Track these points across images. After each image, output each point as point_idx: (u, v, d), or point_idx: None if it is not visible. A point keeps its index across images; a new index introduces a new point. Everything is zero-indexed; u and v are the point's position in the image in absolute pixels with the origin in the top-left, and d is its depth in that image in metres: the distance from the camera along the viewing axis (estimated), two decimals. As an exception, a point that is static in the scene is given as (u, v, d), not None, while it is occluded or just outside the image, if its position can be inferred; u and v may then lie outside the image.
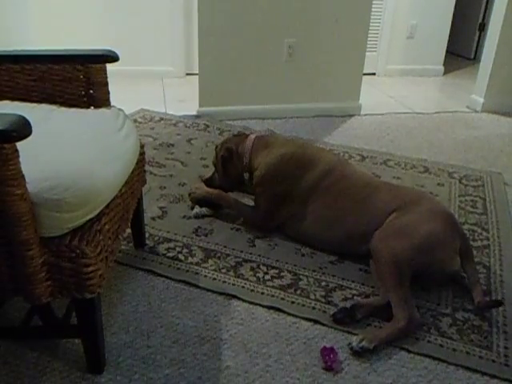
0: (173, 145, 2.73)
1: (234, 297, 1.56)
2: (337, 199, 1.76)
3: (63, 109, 1.47)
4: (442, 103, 3.85)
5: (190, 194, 2.05)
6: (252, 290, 1.59)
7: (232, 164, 2.00)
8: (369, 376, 1.30)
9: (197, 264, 1.70)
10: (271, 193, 1.86)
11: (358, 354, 1.36)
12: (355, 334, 1.41)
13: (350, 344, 1.38)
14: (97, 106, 1.53)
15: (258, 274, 1.67)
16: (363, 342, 1.37)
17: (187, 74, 4.22)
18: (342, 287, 1.62)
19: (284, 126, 3.15)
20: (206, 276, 1.65)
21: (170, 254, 1.75)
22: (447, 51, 4.64)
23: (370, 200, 1.71)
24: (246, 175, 1.98)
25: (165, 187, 2.24)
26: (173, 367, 1.29)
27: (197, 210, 2.01)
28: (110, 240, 1.23)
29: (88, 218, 1.11)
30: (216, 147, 2.09)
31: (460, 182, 2.46)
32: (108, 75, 1.54)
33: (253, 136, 2.02)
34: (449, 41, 4.57)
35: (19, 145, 0.94)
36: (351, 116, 3.42)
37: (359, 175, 1.82)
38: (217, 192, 2.00)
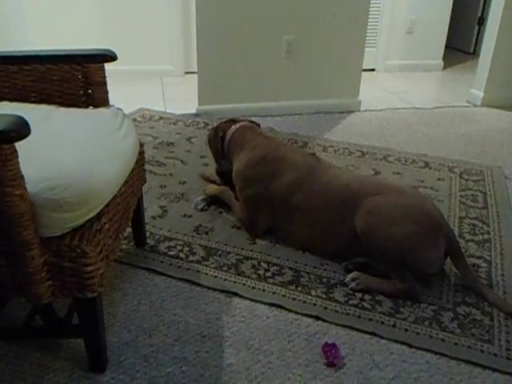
0: (172, 143, 2.74)
1: (236, 294, 1.56)
2: (315, 206, 1.72)
3: (62, 109, 1.47)
4: (442, 98, 3.84)
5: (204, 190, 2.16)
6: (253, 288, 1.59)
7: (219, 147, 2.08)
8: (371, 371, 1.30)
9: (198, 262, 1.71)
10: (245, 194, 1.88)
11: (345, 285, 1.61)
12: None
13: (344, 275, 1.64)
14: (95, 106, 1.53)
15: (258, 272, 1.67)
16: (354, 281, 1.59)
17: (186, 73, 4.22)
18: (343, 283, 1.62)
19: (284, 123, 3.15)
20: (207, 274, 1.65)
21: (171, 253, 1.75)
22: (446, 46, 4.63)
23: (348, 198, 1.66)
24: (227, 164, 2.03)
25: (165, 186, 2.24)
26: (175, 365, 1.30)
27: (197, 199, 2.09)
28: (111, 239, 1.23)
29: (88, 217, 1.12)
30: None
31: (460, 176, 2.46)
32: (107, 75, 1.54)
33: (234, 128, 2.04)
34: (448, 35, 4.56)
35: (18, 145, 0.94)
36: (351, 112, 3.41)
37: (332, 175, 1.75)
38: (222, 188, 2.08)
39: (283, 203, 1.78)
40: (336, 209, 1.68)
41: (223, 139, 2.05)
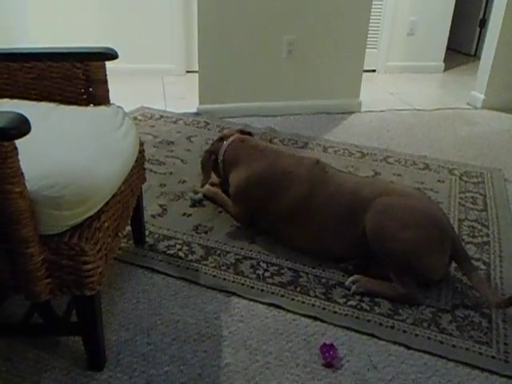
0: (173, 142, 2.73)
1: (234, 294, 1.56)
2: (320, 218, 1.70)
3: (62, 106, 1.47)
4: (443, 100, 3.84)
5: (194, 187, 2.17)
6: (252, 287, 1.59)
7: (214, 166, 2.00)
8: (368, 372, 1.30)
9: (197, 261, 1.71)
10: (244, 207, 1.88)
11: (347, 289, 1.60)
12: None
13: (343, 276, 1.65)
14: (96, 104, 1.53)
15: (257, 271, 1.67)
16: (355, 284, 1.58)
17: (187, 72, 4.22)
18: (342, 284, 1.62)
19: (284, 123, 3.15)
20: (206, 273, 1.65)
21: (170, 252, 1.75)
22: (448, 48, 4.63)
23: (354, 206, 1.64)
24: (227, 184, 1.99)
25: (165, 185, 2.24)
26: (173, 364, 1.30)
27: (191, 194, 2.11)
28: (110, 237, 1.23)
29: (87, 215, 1.12)
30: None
31: (460, 178, 2.46)
32: (108, 73, 1.54)
33: (225, 145, 1.96)
34: (449, 37, 4.56)
35: (18, 143, 0.94)
36: (351, 113, 3.41)
37: (338, 184, 1.71)
38: (214, 190, 2.08)
39: (286, 216, 1.77)
40: (343, 217, 1.66)
41: (216, 161, 1.97)
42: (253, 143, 1.94)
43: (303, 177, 1.75)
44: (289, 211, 1.76)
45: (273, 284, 1.61)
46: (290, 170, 1.78)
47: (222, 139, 2.02)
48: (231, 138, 1.98)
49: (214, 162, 1.98)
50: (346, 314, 1.49)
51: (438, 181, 2.43)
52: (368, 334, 1.43)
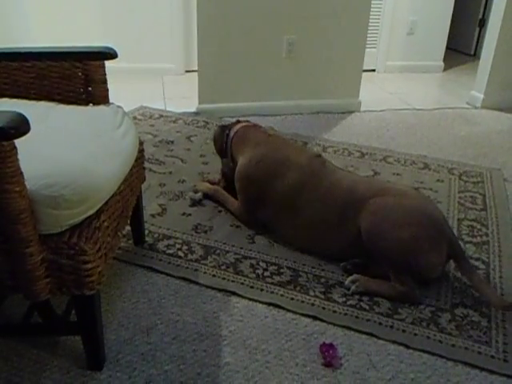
0: (172, 142, 2.73)
1: (234, 293, 1.56)
2: (317, 211, 1.71)
3: (62, 106, 1.47)
4: (442, 99, 3.84)
5: (195, 186, 2.19)
6: (251, 287, 1.59)
7: (223, 146, 2.10)
8: (368, 372, 1.30)
9: (196, 261, 1.71)
10: (245, 193, 1.90)
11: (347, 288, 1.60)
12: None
13: (342, 275, 1.65)
14: (96, 103, 1.53)
15: (257, 271, 1.67)
16: (354, 284, 1.58)
17: (187, 71, 4.22)
18: (341, 284, 1.62)
19: (284, 122, 3.15)
20: (205, 273, 1.65)
21: (170, 251, 1.75)
22: (447, 47, 4.64)
23: (350, 203, 1.65)
24: (229, 162, 2.06)
25: (164, 184, 2.24)
26: (172, 363, 1.30)
27: (191, 194, 2.12)
28: (109, 237, 1.23)
29: (87, 215, 1.12)
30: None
31: (460, 178, 2.46)
32: (108, 72, 1.54)
33: (237, 126, 2.06)
34: (449, 37, 4.56)
35: (18, 142, 0.94)
36: (351, 112, 3.41)
37: (335, 180, 1.72)
38: (214, 188, 2.10)
39: (284, 205, 1.78)
40: (338, 214, 1.66)
41: (228, 136, 2.07)
42: (263, 129, 2.05)
43: (302, 165, 1.78)
44: (285, 201, 1.77)
45: (272, 283, 1.61)
46: (291, 157, 1.82)
47: (236, 122, 2.13)
48: (246, 123, 2.09)
49: (225, 138, 2.07)
50: (345, 314, 1.49)
51: (438, 180, 2.43)
52: (367, 334, 1.43)
